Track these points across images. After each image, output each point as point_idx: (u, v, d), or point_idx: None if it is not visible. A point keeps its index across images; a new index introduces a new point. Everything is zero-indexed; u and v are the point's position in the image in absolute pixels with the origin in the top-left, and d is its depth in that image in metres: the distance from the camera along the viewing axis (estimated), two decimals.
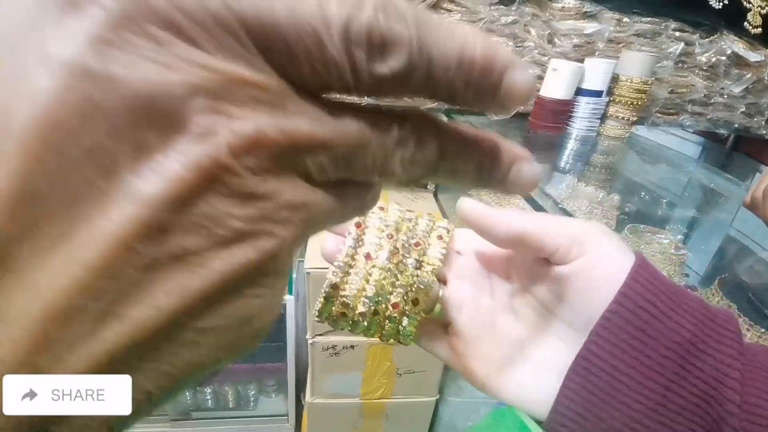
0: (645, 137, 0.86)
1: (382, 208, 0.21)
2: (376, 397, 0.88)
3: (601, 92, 0.70)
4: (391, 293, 0.19)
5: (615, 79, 0.71)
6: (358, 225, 0.20)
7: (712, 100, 0.84)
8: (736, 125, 0.89)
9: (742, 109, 0.86)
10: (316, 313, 0.20)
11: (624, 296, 0.17)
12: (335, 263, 0.19)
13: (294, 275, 0.95)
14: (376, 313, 0.20)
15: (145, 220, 0.07)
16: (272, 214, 0.08)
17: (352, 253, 0.20)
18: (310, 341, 0.81)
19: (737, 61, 0.82)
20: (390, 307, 0.19)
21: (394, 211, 0.21)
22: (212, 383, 1.16)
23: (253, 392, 1.19)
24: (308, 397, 0.88)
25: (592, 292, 0.18)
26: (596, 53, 0.73)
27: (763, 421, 0.16)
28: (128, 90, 0.06)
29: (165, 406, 1.12)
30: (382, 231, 0.20)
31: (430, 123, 0.10)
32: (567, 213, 0.67)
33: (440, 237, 0.21)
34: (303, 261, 0.79)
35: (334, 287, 0.19)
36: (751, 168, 1.03)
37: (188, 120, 0.07)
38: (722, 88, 0.83)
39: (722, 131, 0.88)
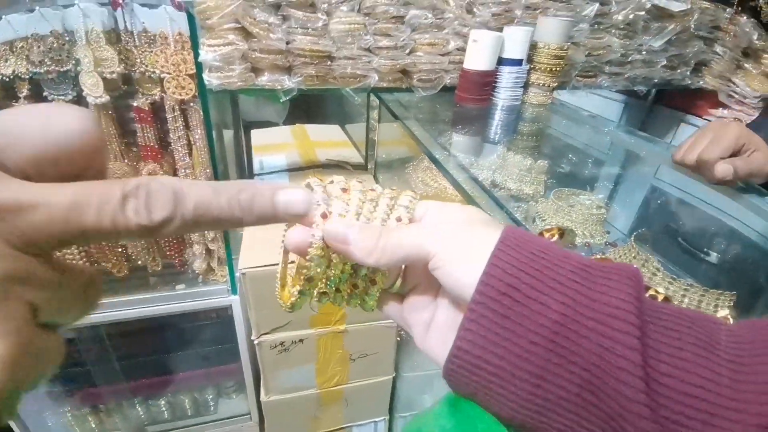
0: (568, 102, 0.89)
1: (344, 190, 0.21)
2: (333, 385, 0.88)
3: (521, 60, 0.70)
4: (351, 274, 0.21)
5: (533, 46, 0.71)
6: (323, 215, 0.19)
7: (630, 59, 0.86)
8: (656, 80, 0.92)
9: (663, 63, 0.89)
10: (289, 306, 0.21)
11: (485, 282, 0.16)
12: (309, 258, 0.19)
13: (237, 274, 0.91)
14: (338, 290, 0.22)
15: None
16: None
17: (322, 244, 0.19)
18: (256, 342, 0.78)
19: (658, 13, 0.83)
20: (350, 288, 0.22)
21: (356, 193, 0.21)
22: (165, 394, 1.11)
23: (211, 396, 1.15)
24: (263, 396, 0.86)
25: (457, 287, 0.17)
26: (515, 21, 0.73)
27: (690, 392, 0.14)
28: None
29: (117, 423, 1.06)
30: (344, 217, 0.20)
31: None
32: (495, 184, 0.68)
33: (399, 219, 0.20)
34: (237, 260, 0.76)
35: (310, 280, 0.20)
36: (675, 119, 1.09)
37: None
38: (641, 45, 0.85)
39: (640, 88, 0.91)
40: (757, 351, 0.14)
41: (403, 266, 0.22)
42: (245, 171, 1.05)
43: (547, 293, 0.15)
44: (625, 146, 0.85)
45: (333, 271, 0.20)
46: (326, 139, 1.19)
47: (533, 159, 0.70)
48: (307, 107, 1.56)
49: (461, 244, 0.17)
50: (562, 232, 0.47)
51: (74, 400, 1.04)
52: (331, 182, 0.21)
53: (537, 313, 0.15)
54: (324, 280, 0.21)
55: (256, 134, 1.19)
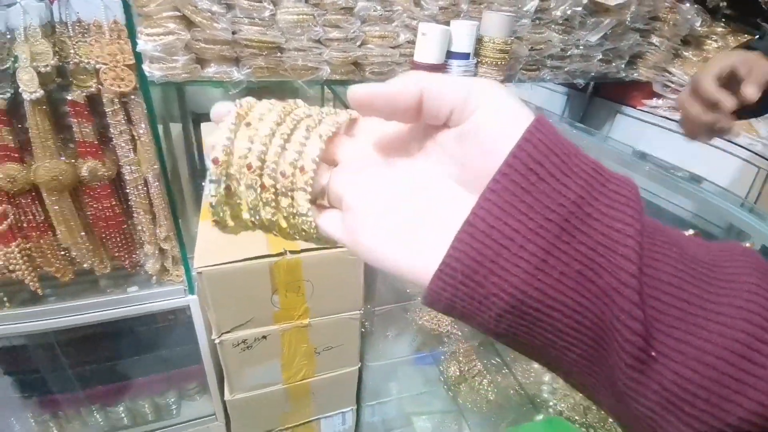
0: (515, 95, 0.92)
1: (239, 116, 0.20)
2: (299, 379, 0.88)
3: (469, 54, 0.72)
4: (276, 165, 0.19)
5: (480, 40, 0.73)
6: (214, 161, 0.19)
7: (569, 53, 0.91)
8: (593, 74, 0.98)
9: (599, 57, 0.93)
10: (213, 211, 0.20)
11: (514, 157, 0.15)
12: (216, 150, 0.18)
13: (194, 273, 0.88)
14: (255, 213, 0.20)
15: None
16: None
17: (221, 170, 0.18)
18: (217, 341, 0.77)
19: (594, 8, 0.87)
20: (274, 208, 0.20)
21: (272, 115, 0.21)
22: (123, 400, 1.07)
23: (173, 399, 1.12)
24: (227, 395, 0.85)
25: (486, 152, 0.17)
26: (461, 15, 0.75)
27: (668, 289, 0.14)
28: None
29: (78, 430, 1.01)
30: (245, 160, 0.19)
31: None
32: None
33: (303, 170, 0.20)
34: (192, 259, 0.74)
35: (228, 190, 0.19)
36: (612, 111, 1.16)
37: None
38: (578, 40, 0.90)
39: (579, 81, 0.96)
40: (733, 257, 0.16)
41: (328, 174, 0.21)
42: (197, 166, 1.01)
43: (569, 175, 0.15)
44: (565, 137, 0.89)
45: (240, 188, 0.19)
46: None
47: None
48: (259, 98, 1.52)
49: (506, 106, 0.17)
50: None
51: (34, 407, 0.98)
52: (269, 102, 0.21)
53: (557, 191, 0.15)
54: (240, 202, 0.20)
55: (206, 127, 1.15)
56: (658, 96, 1.06)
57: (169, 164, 0.79)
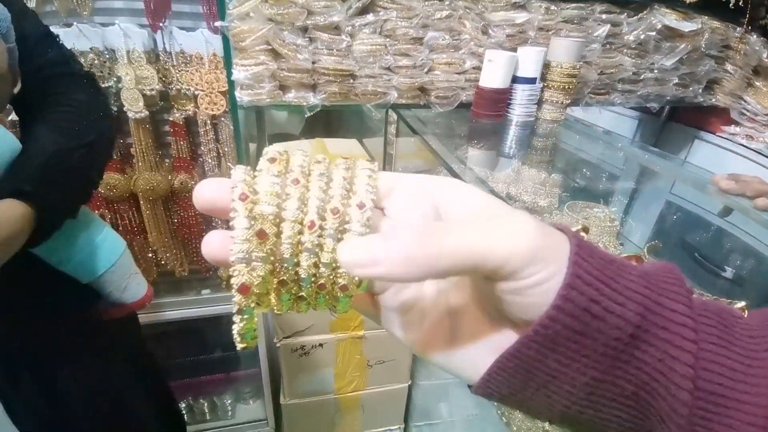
0: (582, 119, 0.91)
1: (273, 160, 0.15)
2: (350, 391, 0.90)
3: (535, 79, 0.73)
4: (314, 276, 0.16)
5: (547, 65, 0.74)
6: (242, 197, 0.14)
7: (642, 77, 0.89)
8: (668, 98, 0.94)
9: (674, 81, 0.91)
10: (238, 338, 0.16)
11: (564, 300, 0.14)
12: (233, 258, 0.14)
13: None
14: (299, 297, 0.16)
15: None
16: None
17: (250, 235, 0.14)
18: (278, 344, 0.81)
19: (669, 33, 0.86)
20: (315, 291, 0.16)
21: (298, 158, 0.16)
22: (186, 397, 1.14)
23: (229, 401, 1.18)
24: (283, 400, 0.89)
25: (538, 301, 0.15)
26: (528, 42, 0.76)
27: (711, 398, 0.14)
28: None
29: None
30: (273, 196, 0.15)
31: None
32: (511, 197, 0.70)
33: (361, 206, 0.16)
34: None
35: (244, 290, 0.15)
36: (689, 136, 1.10)
37: None
38: (652, 64, 0.88)
39: (653, 105, 0.93)
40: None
41: None
42: None
43: (623, 304, 0.14)
44: (639, 162, 0.86)
45: (284, 267, 0.15)
46: (345, 152, 1.23)
47: (547, 173, 0.72)
48: (325, 121, 1.62)
49: (547, 258, 0.14)
50: (587, 229, 0.46)
51: None
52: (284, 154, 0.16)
53: (614, 327, 0.14)
54: (276, 283, 0.15)
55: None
56: (736, 123, 1.00)
57: None
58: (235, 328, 0.16)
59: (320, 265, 0.16)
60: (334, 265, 0.16)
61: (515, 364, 0.15)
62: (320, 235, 0.15)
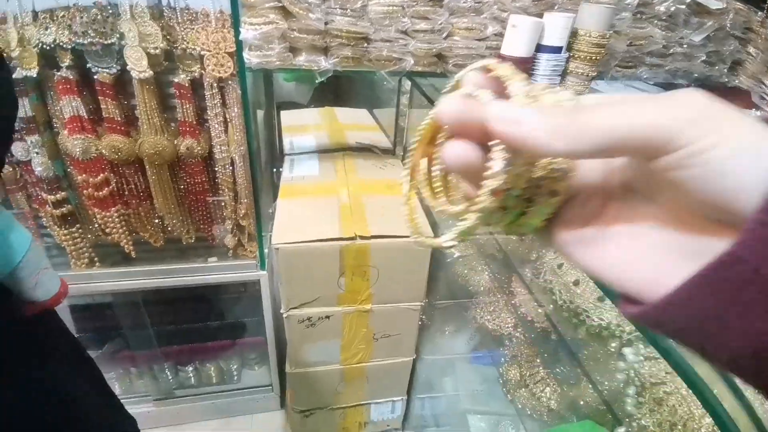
0: (605, 92, 0.87)
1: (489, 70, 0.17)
2: (356, 362, 0.90)
3: (561, 48, 0.69)
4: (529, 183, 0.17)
5: (574, 33, 0.70)
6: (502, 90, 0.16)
7: (671, 51, 0.84)
8: (696, 75, 0.90)
9: (702, 58, 0.87)
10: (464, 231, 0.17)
11: None
12: (499, 166, 0.15)
13: (266, 250, 0.94)
14: (504, 207, 0.17)
15: None
16: None
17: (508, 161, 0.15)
18: (285, 315, 0.81)
19: (697, 9, 0.81)
20: (525, 203, 0.17)
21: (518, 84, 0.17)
22: (193, 361, 1.16)
23: (235, 366, 1.20)
24: (288, 368, 0.90)
25: (720, 177, 0.12)
26: (555, 7, 0.71)
27: None
28: None
29: (147, 388, 1.12)
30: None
31: None
32: None
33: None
34: (270, 235, 0.78)
35: (497, 194, 0.15)
36: None
37: None
38: (681, 38, 0.83)
39: (681, 82, 0.89)
40: None
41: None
42: (276, 150, 1.07)
43: None
44: None
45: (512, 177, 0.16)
46: (355, 122, 1.20)
47: None
48: (334, 90, 1.57)
49: (734, 134, 0.12)
50: None
51: (113, 363, 1.10)
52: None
53: None
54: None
55: (285, 115, 1.21)
56: (757, 107, 0.96)
57: (255, 146, 0.84)
58: (457, 230, 0.17)
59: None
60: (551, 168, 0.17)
61: (721, 272, 0.12)
62: None
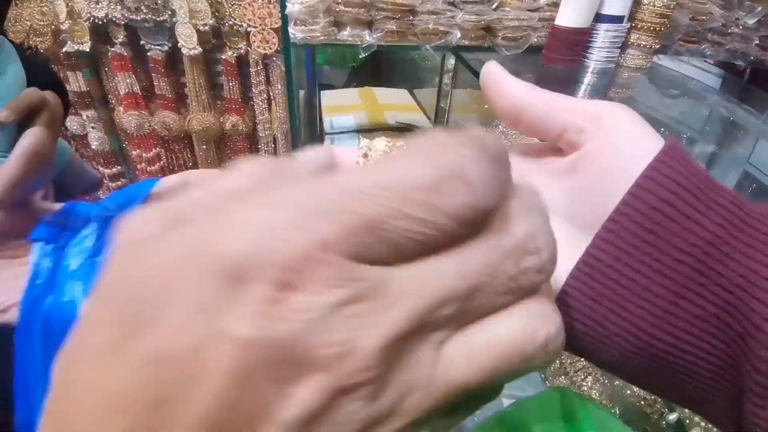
0: (667, 67, 0.81)
1: (366, 156, 0.19)
2: None
3: (623, 18, 0.64)
4: None
5: (637, 2, 0.65)
6: (365, 156, 0.19)
7: (729, 30, 0.79)
8: (752, 57, 0.84)
9: (756, 41, 0.82)
10: None
11: (635, 193, 0.14)
12: None
13: None
14: None
15: None
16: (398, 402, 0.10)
17: None
18: None
19: None
20: None
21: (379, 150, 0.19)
22: None
23: None
24: None
25: (605, 182, 0.15)
26: None
27: None
28: (283, 349, 0.09)
29: None
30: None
31: None
32: None
33: None
34: None
35: None
36: (766, 102, 0.98)
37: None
38: (737, 18, 0.78)
39: (740, 62, 0.84)
40: None
41: None
42: (317, 130, 1.08)
43: (704, 213, 0.14)
44: (723, 121, 0.77)
45: None
46: (394, 102, 1.18)
47: None
48: (373, 71, 1.56)
49: (639, 130, 0.16)
50: None
51: None
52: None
53: (689, 231, 0.14)
54: None
55: (325, 95, 1.21)
56: None
57: (296, 125, 0.85)
58: None
59: None
60: None
61: (585, 273, 0.15)
62: None
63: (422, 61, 0.74)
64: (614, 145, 0.15)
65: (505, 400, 0.82)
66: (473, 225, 0.10)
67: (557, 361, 0.76)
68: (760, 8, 0.78)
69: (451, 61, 0.93)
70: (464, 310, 0.10)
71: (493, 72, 0.17)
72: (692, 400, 0.16)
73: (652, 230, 0.14)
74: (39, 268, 0.25)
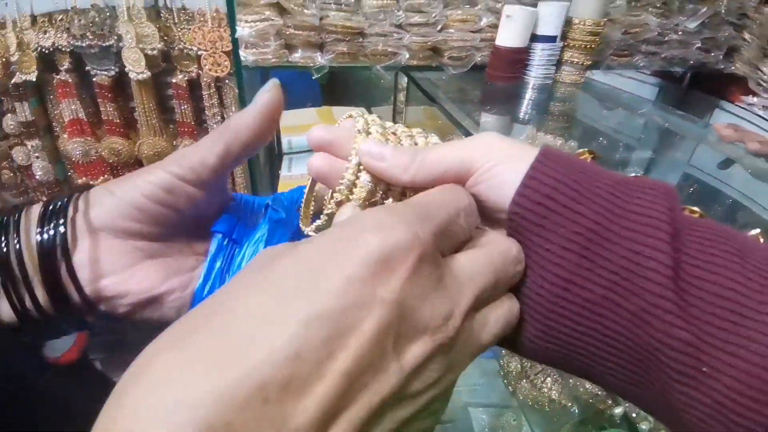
0: (601, 82, 0.87)
1: (368, 133, 0.20)
2: None
3: (556, 37, 0.69)
4: (382, 199, 0.19)
5: (568, 22, 0.70)
6: (362, 131, 0.19)
7: (666, 38, 0.84)
8: (692, 62, 0.90)
9: (698, 45, 0.87)
10: (313, 229, 0.20)
11: (521, 193, 0.16)
12: (342, 182, 0.18)
13: None
14: None
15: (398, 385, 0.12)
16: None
17: (355, 170, 0.18)
18: None
19: None
20: None
21: (398, 126, 0.21)
22: None
23: None
24: None
25: (498, 198, 0.17)
26: None
27: (723, 303, 0.14)
28: (412, 311, 0.13)
29: None
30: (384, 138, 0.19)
31: None
32: None
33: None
34: None
35: (339, 203, 0.19)
36: (709, 105, 1.05)
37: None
38: (677, 25, 0.83)
39: (677, 69, 0.89)
40: None
41: None
42: (275, 150, 1.07)
43: (583, 203, 0.15)
44: (659, 128, 0.83)
45: (361, 195, 0.19)
46: None
47: (564, 140, 0.69)
48: (331, 89, 1.58)
49: (505, 157, 0.17)
50: (594, 155, 0.46)
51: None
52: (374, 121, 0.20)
53: (571, 221, 0.15)
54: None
55: (284, 115, 1.21)
56: (754, 93, 0.96)
57: None
58: (316, 223, 0.21)
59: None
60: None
61: None
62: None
63: (377, 80, 0.77)
64: (491, 173, 0.17)
65: (471, 410, 0.83)
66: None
67: (518, 366, 0.79)
68: (704, 9, 0.81)
69: (404, 80, 0.96)
70: (492, 295, 0.16)
71: (371, 152, 0.18)
72: (613, 387, 0.17)
73: (540, 224, 0.16)
74: (213, 266, 0.21)
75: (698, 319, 0.14)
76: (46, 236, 0.18)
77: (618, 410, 0.49)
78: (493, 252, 0.16)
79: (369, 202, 0.19)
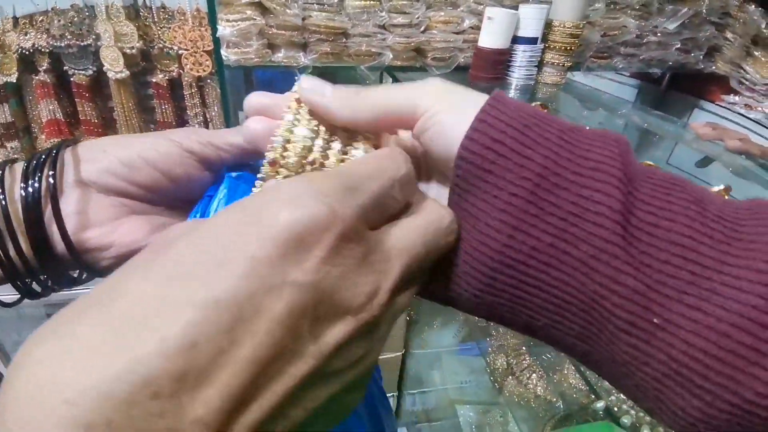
0: (582, 83, 0.88)
1: (298, 102, 0.19)
2: None
3: (536, 39, 0.70)
4: (323, 149, 0.18)
5: (549, 24, 0.71)
6: (297, 101, 0.18)
7: (645, 40, 0.86)
8: (671, 63, 0.91)
9: (677, 46, 0.88)
10: None
11: (470, 136, 0.15)
12: (274, 138, 0.17)
13: None
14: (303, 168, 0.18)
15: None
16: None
17: (289, 126, 0.17)
18: None
19: None
20: (319, 165, 0.18)
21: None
22: None
23: None
24: None
25: (448, 146, 0.16)
26: None
27: (679, 251, 0.13)
28: (330, 293, 0.12)
29: None
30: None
31: None
32: None
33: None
34: None
35: (273, 163, 0.18)
36: (688, 104, 1.08)
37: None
38: (656, 27, 0.85)
39: (655, 70, 0.90)
40: (757, 215, 0.13)
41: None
42: None
43: (532, 147, 0.15)
44: (638, 129, 0.84)
45: (296, 151, 0.18)
46: None
47: None
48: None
49: (453, 102, 0.16)
50: (546, 107, 0.46)
51: None
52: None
53: (519, 166, 0.15)
54: (287, 163, 0.18)
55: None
56: (735, 92, 0.98)
57: None
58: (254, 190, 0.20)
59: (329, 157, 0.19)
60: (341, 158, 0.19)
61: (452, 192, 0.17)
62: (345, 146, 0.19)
63: (362, 80, 0.77)
64: (438, 118, 0.16)
65: (458, 407, 0.84)
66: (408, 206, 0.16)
67: (504, 363, 0.79)
68: (685, 9, 0.82)
69: (389, 80, 0.96)
70: (420, 266, 0.15)
71: (315, 91, 0.17)
72: (560, 342, 0.16)
73: (489, 170, 0.15)
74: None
75: (649, 267, 0.13)
76: (30, 189, 0.18)
77: (600, 404, 0.50)
78: (426, 222, 0.15)
79: (304, 164, 0.17)
